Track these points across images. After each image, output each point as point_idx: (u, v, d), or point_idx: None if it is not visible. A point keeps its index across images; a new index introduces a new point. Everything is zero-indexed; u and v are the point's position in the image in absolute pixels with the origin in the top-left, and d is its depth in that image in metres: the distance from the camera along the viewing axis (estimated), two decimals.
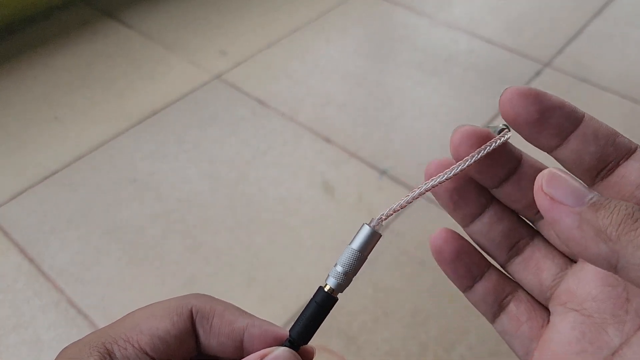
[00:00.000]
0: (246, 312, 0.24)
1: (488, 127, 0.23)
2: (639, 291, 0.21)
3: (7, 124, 1.07)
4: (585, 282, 0.22)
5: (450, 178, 0.22)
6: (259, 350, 0.22)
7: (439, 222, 0.95)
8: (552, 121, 0.21)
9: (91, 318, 0.77)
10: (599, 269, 0.21)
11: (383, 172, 0.97)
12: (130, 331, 0.20)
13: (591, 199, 0.18)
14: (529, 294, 0.24)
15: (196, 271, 0.83)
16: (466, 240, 0.25)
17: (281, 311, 0.78)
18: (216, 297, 0.23)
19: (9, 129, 1.06)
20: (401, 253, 0.85)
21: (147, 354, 0.20)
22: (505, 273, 0.25)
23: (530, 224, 0.25)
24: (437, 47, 1.23)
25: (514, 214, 0.25)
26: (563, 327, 0.22)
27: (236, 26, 1.31)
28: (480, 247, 0.25)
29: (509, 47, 1.23)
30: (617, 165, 0.21)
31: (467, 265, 0.24)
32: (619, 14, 1.34)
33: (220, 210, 0.91)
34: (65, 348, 0.20)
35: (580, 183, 0.19)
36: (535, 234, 0.25)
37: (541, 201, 0.19)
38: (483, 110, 1.09)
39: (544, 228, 0.24)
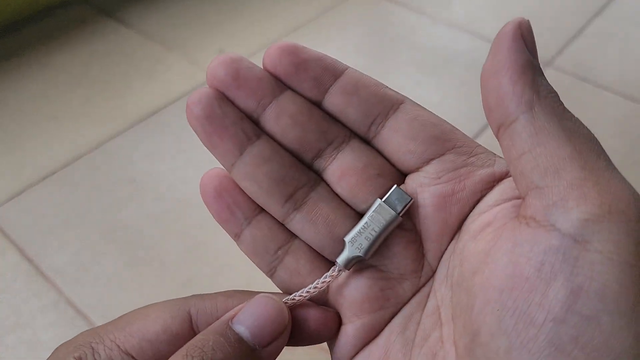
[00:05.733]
0: (242, 292, 0.22)
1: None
2: (434, 246, 0.21)
3: (4, 123, 1.06)
4: None
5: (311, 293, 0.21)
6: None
7: None
8: (308, 73, 0.21)
9: (90, 318, 0.77)
10: None
11: None
12: (120, 332, 0.19)
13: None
14: (309, 246, 0.22)
15: (195, 272, 0.82)
16: (231, 179, 0.22)
17: None
18: None
19: (6, 128, 1.05)
20: None
21: (132, 357, 0.19)
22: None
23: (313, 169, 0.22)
24: (437, 46, 1.23)
25: (290, 155, 0.22)
26: (360, 283, 0.21)
27: (235, 24, 1.31)
28: (249, 193, 0.22)
29: None
30: (386, 118, 0.21)
31: (229, 207, 0.22)
32: (620, 13, 1.34)
33: None
34: (58, 346, 0.20)
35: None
36: (319, 182, 0.22)
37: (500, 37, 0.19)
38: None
39: (331, 177, 0.22)
